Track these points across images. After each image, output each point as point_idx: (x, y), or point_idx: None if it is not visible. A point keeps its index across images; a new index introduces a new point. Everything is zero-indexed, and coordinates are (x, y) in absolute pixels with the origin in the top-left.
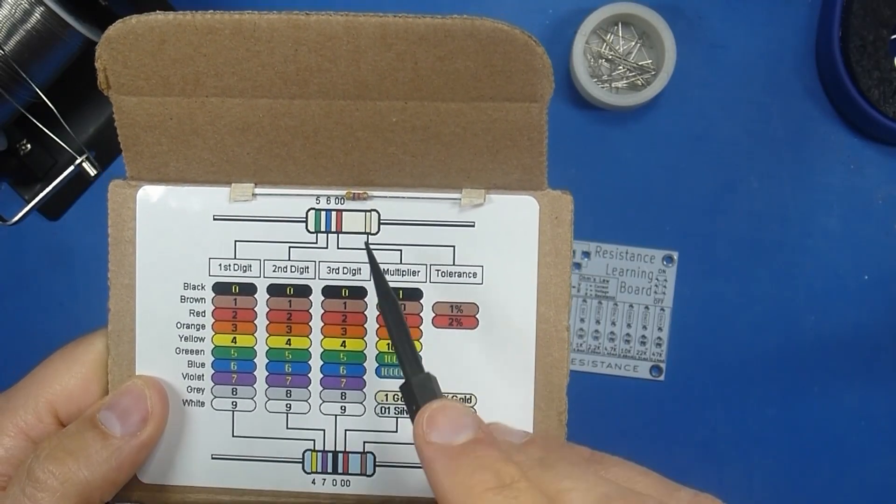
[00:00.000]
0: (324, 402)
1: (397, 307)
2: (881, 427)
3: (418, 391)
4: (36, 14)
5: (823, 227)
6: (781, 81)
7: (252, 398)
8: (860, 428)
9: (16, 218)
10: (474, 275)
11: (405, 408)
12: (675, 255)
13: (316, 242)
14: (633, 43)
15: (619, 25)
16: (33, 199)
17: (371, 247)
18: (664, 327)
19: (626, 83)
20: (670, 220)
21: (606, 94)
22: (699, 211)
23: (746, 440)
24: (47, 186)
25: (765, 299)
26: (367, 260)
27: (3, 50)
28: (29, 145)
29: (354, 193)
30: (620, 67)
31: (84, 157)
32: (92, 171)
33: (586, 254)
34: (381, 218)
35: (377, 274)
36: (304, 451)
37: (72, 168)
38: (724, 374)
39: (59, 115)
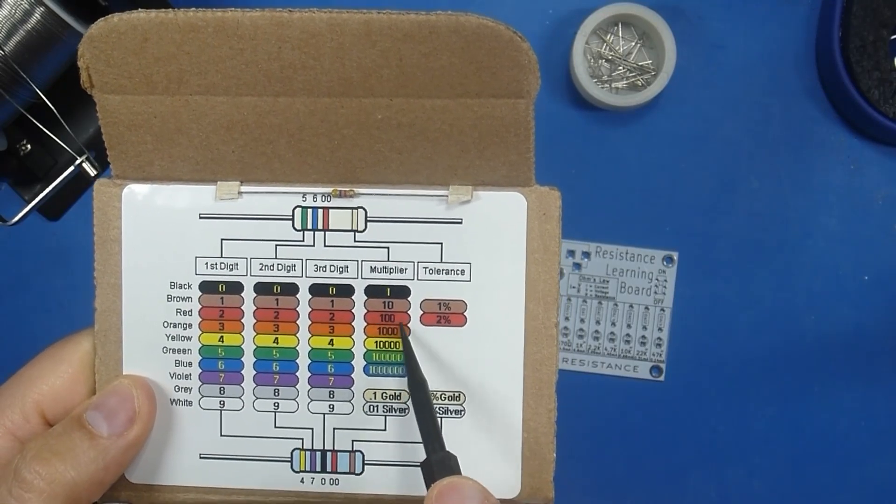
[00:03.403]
0: (312, 400)
1: (425, 388)
2: (881, 427)
3: (437, 468)
4: (36, 14)
5: (823, 227)
6: (781, 82)
7: (240, 397)
8: (860, 428)
9: (16, 218)
10: (462, 272)
11: (394, 407)
12: (675, 255)
13: (303, 240)
14: (633, 43)
15: (619, 26)
16: (33, 199)
17: (360, 245)
18: (664, 327)
19: (626, 83)
20: (670, 220)
21: (606, 94)
22: (699, 211)
23: (746, 440)
24: (47, 187)
25: (765, 299)
26: (354, 259)
27: (3, 50)
28: (29, 145)
29: (341, 191)
30: (620, 68)
31: (84, 157)
32: (92, 172)
33: (586, 254)
34: (368, 215)
35: (408, 354)
36: (293, 450)
37: (72, 168)
38: (724, 374)
39: (59, 115)
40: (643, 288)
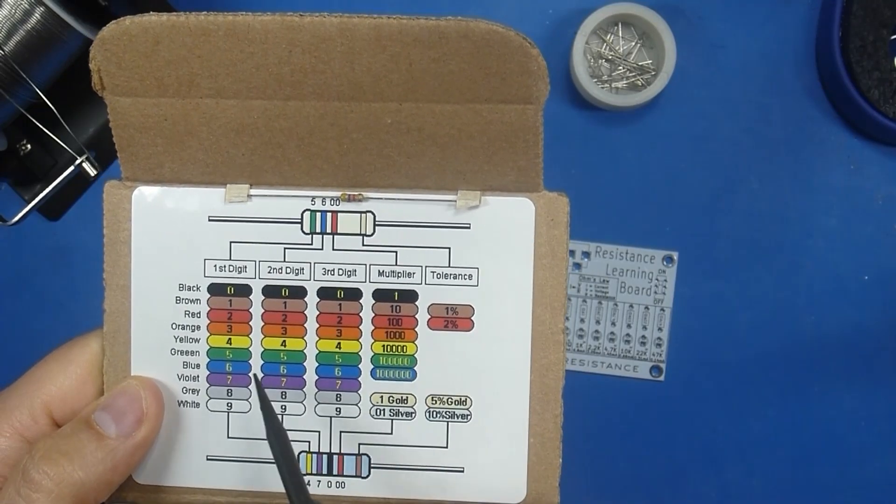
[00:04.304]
0: (319, 403)
1: (284, 438)
2: (881, 427)
3: None
4: (36, 14)
5: (823, 227)
6: (781, 81)
7: (247, 399)
8: (860, 428)
9: (16, 218)
10: (470, 276)
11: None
12: (675, 255)
13: (311, 244)
14: (633, 43)
15: (619, 25)
16: (33, 199)
17: (368, 249)
18: (664, 327)
19: (626, 83)
20: (670, 220)
21: (606, 94)
22: (699, 211)
23: (746, 440)
24: (47, 186)
25: (765, 299)
26: (362, 263)
27: (3, 50)
28: (29, 145)
29: (350, 195)
30: (620, 67)
31: (84, 157)
32: (92, 172)
33: (586, 254)
34: (377, 219)
35: (264, 404)
36: (300, 453)
37: (72, 168)
38: (724, 374)
39: (59, 115)
40: (643, 288)
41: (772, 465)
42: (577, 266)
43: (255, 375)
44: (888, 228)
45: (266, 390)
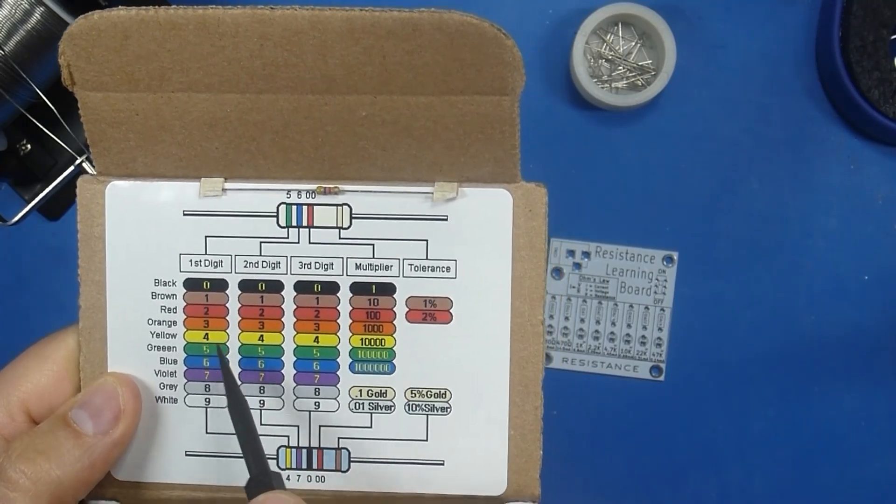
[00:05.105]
0: (297, 398)
1: (246, 408)
2: (881, 427)
3: (253, 486)
4: (36, 14)
5: (823, 227)
6: (781, 81)
7: (225, 394)
8: (860, 428)
9: (16, 218)
10: (448, 269)
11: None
12: (675, 255)
13: (287, 237)
14: (633, 43)
15: (619, 25)
16: (33, 199)
17: (345, 242)
18: (664, 327)
19: (626, 83)
20: (670, 220)
21: (606, 94)
22: (699, 211)
23: (746, 440)
24: (47, 186)
25: (765, 299)
26: (339, 256)
27: (3, 50)
28: (29, 145)
29: (325, 188)
30: (620, 67)
31: (84, 157)
32: (92, 171)
33: (586, 254)
34: (353, 212)
35: (227, 374)
36: (279, 448)
37: (72, 168)
38: (724, 374)
39: (59, 115)
40: (643, 288)
41: (772, 465)
42: (577, 266)
43: (218, 346)
44: (888, 228)
45: (244, 385)
